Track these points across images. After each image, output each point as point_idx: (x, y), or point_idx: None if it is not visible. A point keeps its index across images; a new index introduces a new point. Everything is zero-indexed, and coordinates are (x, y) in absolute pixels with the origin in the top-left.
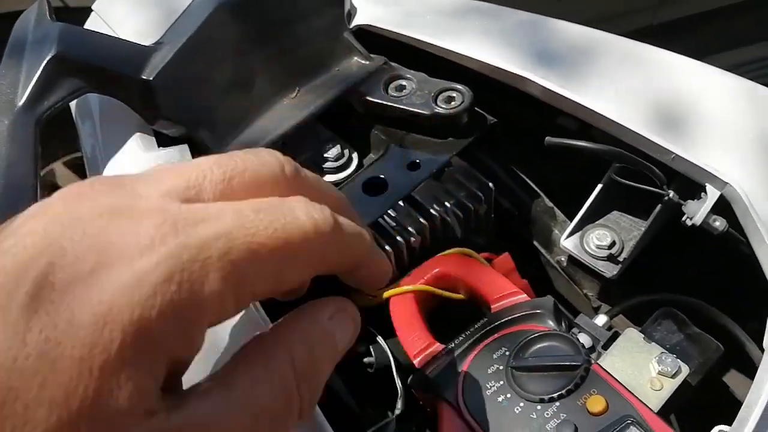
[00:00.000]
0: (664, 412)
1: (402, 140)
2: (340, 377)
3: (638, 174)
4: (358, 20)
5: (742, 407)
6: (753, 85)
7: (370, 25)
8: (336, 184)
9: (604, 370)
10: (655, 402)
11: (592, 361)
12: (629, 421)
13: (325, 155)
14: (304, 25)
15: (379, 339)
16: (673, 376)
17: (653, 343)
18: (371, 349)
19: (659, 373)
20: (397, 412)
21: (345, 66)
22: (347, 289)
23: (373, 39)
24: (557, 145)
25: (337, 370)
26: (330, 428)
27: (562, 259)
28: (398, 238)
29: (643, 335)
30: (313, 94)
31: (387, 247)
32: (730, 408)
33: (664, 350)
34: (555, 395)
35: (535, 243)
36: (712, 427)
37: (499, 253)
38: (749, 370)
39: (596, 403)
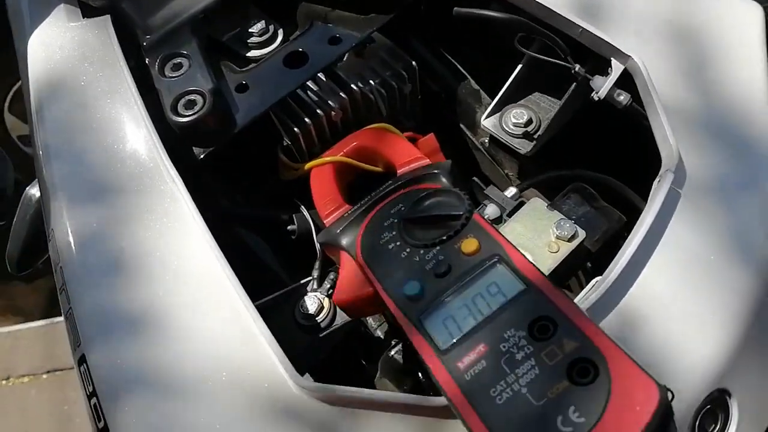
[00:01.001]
0: (561, 272)
1: (326, 16)
2: (262, 243)
3: (549, 51)
4: None
5: (614, 259)
6: None
7: None
8: (260, 58)
9: (482, 217)
10: (550, 262)
11: (474, 212)
12: (496, 259)
13: (250, 30)
14: None
15: (302, 208)
16: (570, 240)
17: (555, 211)
18: (294, 218)
19: (557, 237)
20: (315, 272)
21: None
22: (275, 160)
23: None
24: (465, 16)
25: (264, 237)
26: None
27: (485, 140)
28: (318, 110)
29: (546, 204)
30: None
31: (306, 119)
32: None
33: (563, 217)
34: (436, 240)
35: (461, 125)
36: None
37: (425, 134)
38: None
39: (469, 245)
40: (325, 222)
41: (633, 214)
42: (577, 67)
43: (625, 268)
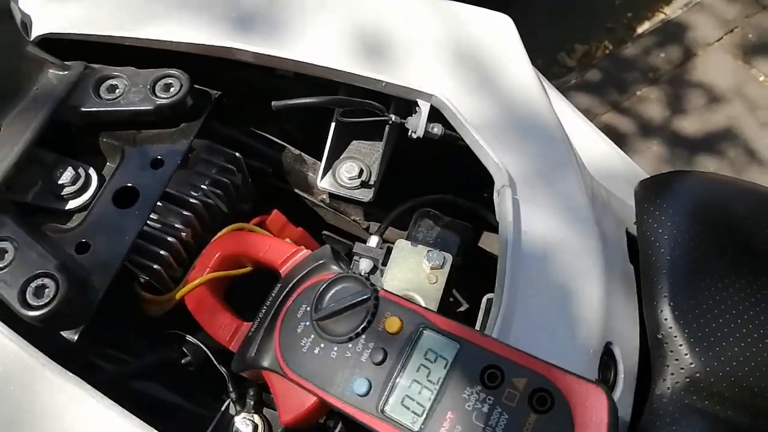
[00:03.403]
0: (445, 297)
1: (135, 140)
2: (165, 387)
3: (362, 112)
4: (39, 30)
5: (497, 276)
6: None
7: (55, 33)
8: (83, 207)
9: (388, 291)
10: (434, 294)
11: (378, 288)
12: (422, 328)
13: (60, 182)
14: None
15: (189, 337)
16: (442, 267)
17: (419, 246)
18: (185, 350)
19: (431, 268)
20: (232, 395)
21: (43, 82)
22: (136, 299)
23: (65, 46)
24: (284, 108)
25: (160, 380)
26: None
27: (325, 197)
28: (169, 238)
29: (410, 242)
30: (20, 124)
31: (162, 252)
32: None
33: (429, 248)
34: (359, 329)
35: (296, 191)
36: (484, 295)
37: (269, 213)
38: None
39: (392, 324)
40: (229, 347)
41: (472, 218)
42: (393, 117)
43: (510, 281)
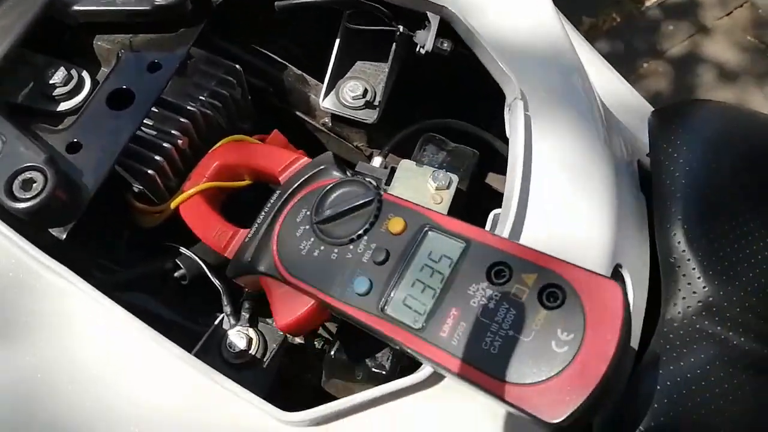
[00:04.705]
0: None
1: (131, 44)
2: (156, 300)
3: (369, 19)
4: None
5: (505, 190)
6: None
7: None
8: (76, 109)
9: (392, 194)
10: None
11: (382, 192)
12: (426, 228)
13: (51, 82)
14: None
15: (183, 249)
16: (448, 187)
17: (425, 166)
18: (179, 263)
19: (437, 188)
20: (227, 308)
21: None
22: (129, 210)
23: None
24: (287, 7)
25: (152, 293)
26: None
27: (327, 120)
28: (164, 144)
29: (414, 162)
30: (7, 21)
31: (157, 157)
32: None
33: (435, 168)
34: (361, 231)
35: (297, 113)
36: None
37: (268, 132)
38: (503, 165)
39: (396, 224)
40: (225, 254)
41: (481, 145)
42: (401, 27)
43: (520, 196)
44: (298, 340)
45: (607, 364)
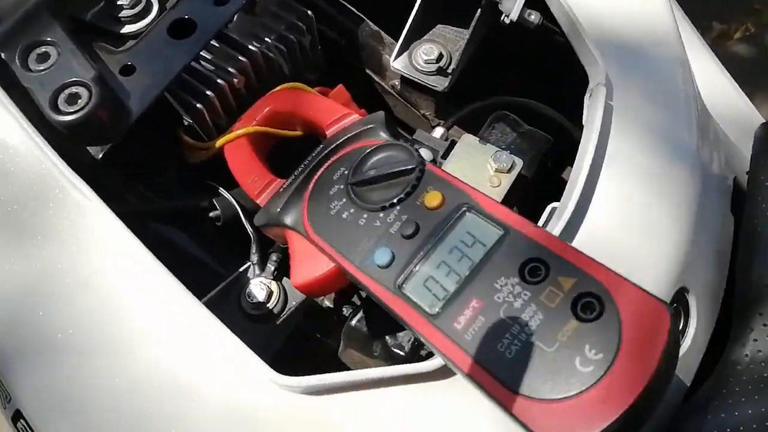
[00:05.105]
0: (506, 204)
1: None
2: (187, 236)
3: None
4: None
5: (568, 182)
6: None
7: None
8: (138, 33)
9: (437, 167)
10: (495, 198)
11: (427, 161)
12: (465, 208)
13: (120, 3)
14: None
15: (222, 190)
16: (509, 171)
17: (488, 144)
18: (215, 203)
19: (496, 170)
20: (254, 257)
21: None
22: (177, 143)
23: None
24: None
25: (183, 228)
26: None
27: (396, 82)
28: (218, 81)
29: (478, 139)
30: None
31: (208, 92)
32: None
33: (498, 149)
34: (395, 200)
35: (367, 71)
36: None
37: (333, 87)
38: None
39: (433, 198)
40: (257, 201)
41: (557, 132)
42: None
43: (582, 191)
44: (327, 302)
45: (634, 397)
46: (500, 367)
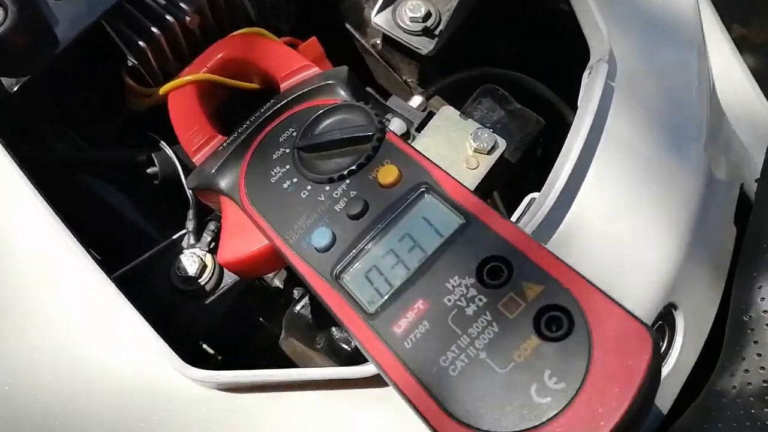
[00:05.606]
0: (483, 191)
1: None
2: (118, 191)
3: None
4: None
5: (552, 170)
6: None
7: None
8: None
9: (399, 137)
10: (470, 181)
11: (387, 130)
12: (423, 189)
13: None
14: None
15: (163, 144)
16: (490, 152)
17: (470, 120)
18: (154, 158)
19: (475, 150)
20: (190, 224)
21: None
22: (119, 87)
23: None
24: None
25: (115, 183)
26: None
27: (377, 41)
28: (168, 16)
29: (459, 113)
30: None
31: (154, 29)
32: None
33: (480, 126)
34: (344, 171)
35: (346, 25)
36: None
37: (306, 39)
38: None
39: (388, 173)
40: (194, 160)
41: (551, 115)
42: None
43: (567, 182)
44: (277, 282)
45: None
46: (439, 386)
